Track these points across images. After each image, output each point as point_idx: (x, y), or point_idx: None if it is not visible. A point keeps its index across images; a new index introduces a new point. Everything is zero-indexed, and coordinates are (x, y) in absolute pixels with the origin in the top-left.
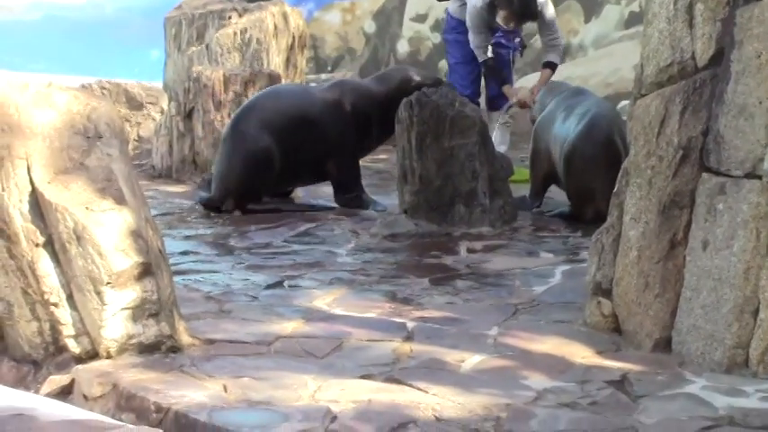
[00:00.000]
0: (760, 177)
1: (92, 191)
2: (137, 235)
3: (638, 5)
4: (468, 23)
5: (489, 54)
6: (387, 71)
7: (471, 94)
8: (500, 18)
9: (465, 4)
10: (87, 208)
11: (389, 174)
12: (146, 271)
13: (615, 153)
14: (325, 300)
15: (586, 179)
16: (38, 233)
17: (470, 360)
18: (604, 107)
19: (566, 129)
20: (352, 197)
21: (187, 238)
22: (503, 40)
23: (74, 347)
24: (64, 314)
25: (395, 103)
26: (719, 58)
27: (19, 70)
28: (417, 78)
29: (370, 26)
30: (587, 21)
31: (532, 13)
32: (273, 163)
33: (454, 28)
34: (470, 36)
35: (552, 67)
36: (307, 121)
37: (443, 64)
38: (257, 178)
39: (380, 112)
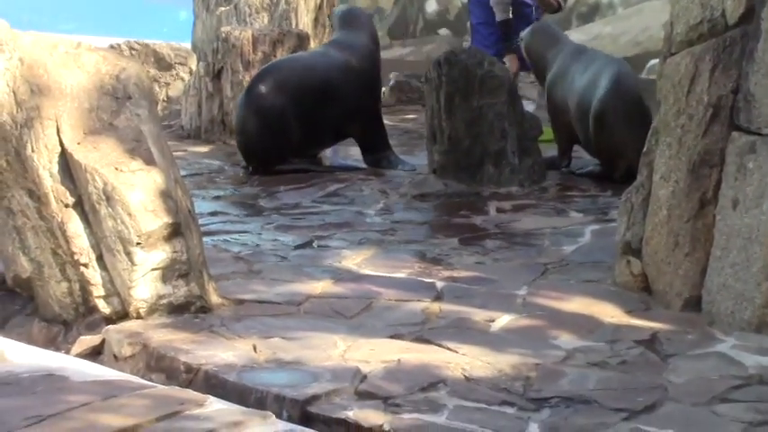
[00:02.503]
0: None
1: (121, 151)
2: (166, 195)
3: None
4: None
5: (509, 14)
6: (350, 22)
7: (496, 54)
8: None
9: None
10: (116, 168)
11: (418, 134)
12: (175, 231)
13: (645, 109)
14: (354, 260)
15: (619, 136)
16: (67, 194)
17: (500, 320)
18: (623, 65)
19: (587, 88)
20: (380, 157)
21: (216, 198)
22: None
23: (104, 308)
24: (94, 275)
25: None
26: (750, 15)
27: (47, 30)
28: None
29: None
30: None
31: None
32: (289, 123)
33: None
34: None
35: None
36: (323, 83)
37: None
38: (274, 138)
39: (378, 68)
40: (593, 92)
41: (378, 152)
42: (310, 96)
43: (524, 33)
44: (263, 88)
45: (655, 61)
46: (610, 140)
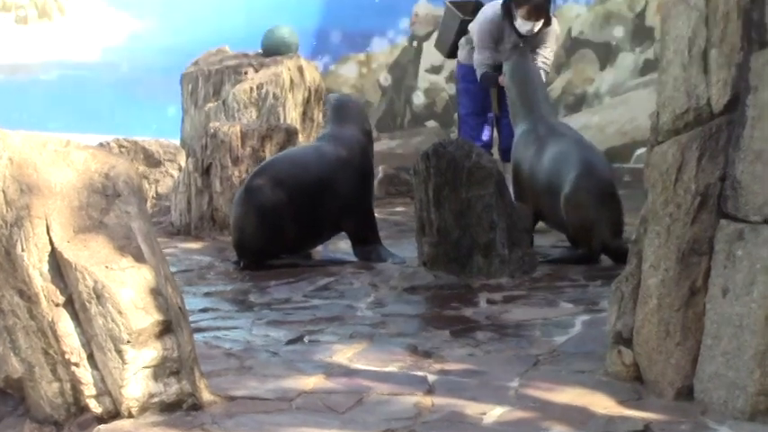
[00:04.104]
0: None
1: (111, 249)
2: (156, 292)
3: (652, 53)
4: (475, 39)
5: (490, 70)
6: (342, 114)
7: (484, 146)
8: (519, 18)
9: (469, 46)
10: (107, 266)
11: (407, 226)
12: (166, 329)
13: (615, 188)
14: (345, 354)
15: (593, 217)
16: (58, 293)
17: (492, 412)
18: (591, 147)
19: (555, 169)
20: (370, 250)
21: (207, 294)
22: None
23: (95, 407)
24: (85, 374)
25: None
26: (735, 103)
27: (37, 129)
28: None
29: (385, 78)
30: (602, 69)
31: (549, 8)
32: (286, 220)
33: (464, 76)
34: (475, 55)
35: None
36: (318, 179)
37: None
38: (272, 235)
39: (370, 161)
40: (564, 174)
41: (368, 245)
42: (307, 193)
43: (505, 65)
44: (260, 186)
45: (642, 150)
46: (585, 221)
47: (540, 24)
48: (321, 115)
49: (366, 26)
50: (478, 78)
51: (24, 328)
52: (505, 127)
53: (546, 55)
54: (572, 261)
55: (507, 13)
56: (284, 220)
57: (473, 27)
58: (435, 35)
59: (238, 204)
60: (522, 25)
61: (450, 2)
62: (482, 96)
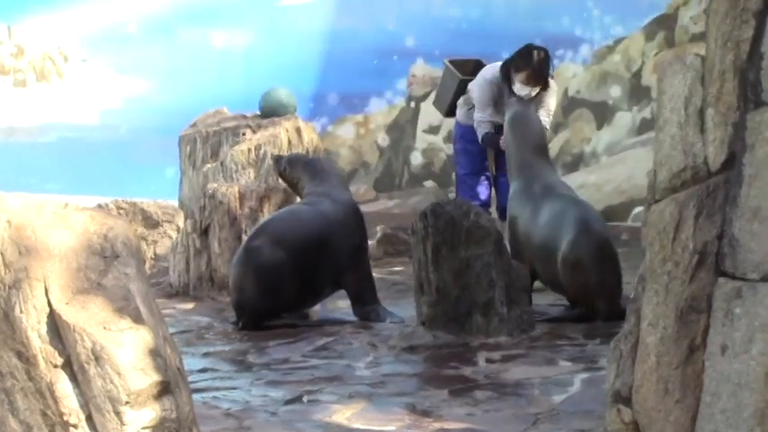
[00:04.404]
0: None
1: (109, 310)
2: (155, 353)
3: (649, 112)
4: (475, 98)
5: (491, 129)
6: (325, 172)
7: (482, 205)
8: (518, 82)
9: (473, 107)
10: (105, 327)
11: (405, 285)
12: (164, 389)
13: (614, 248)
14: (344, 414)
15: (593, 278)
16: (56, 354)
17: None
18: (588, 207)
19: (552, 231)
20: (369, 310)
21: (205, 355)
22: None
23: None
24: None
25: None
26: (732, 162)
27: (35, 191)
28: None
29: (383, 139)
30: (599, 128)
31: (548, 73)
32: (286, 279)
33: (462, 136)
34: (475, 114)
35: None
36: (319, 237)
37: None
38: (273, 295)
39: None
40: (561, 234)
41: (367, 305)
42: (306, 252)
43: (506, 113)
44: (259, 246)
45: (639, 209)
46: (583, 282)
47: (537, 89)
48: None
49: (363, 87)
50: (480, 138)
51: (23, 389)
52: (503, 185)
53: (544, 116)
54: (570, 320)
55: (506, 76)
56: (284, 279)
57: (473, 87)
58: (434, 94)
59: (238, 264)
60: (521, 89)
61: (449, 61)
62: (480, 156)
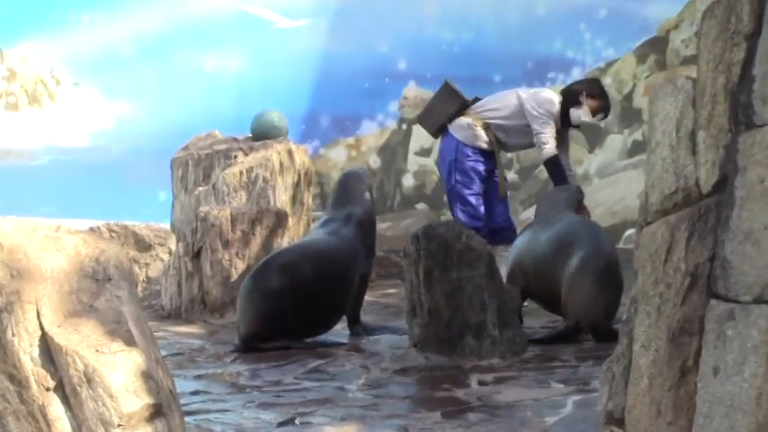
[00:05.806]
0: None
1: (101, 333)
2: (147, 376)
3: (640, 134)
4: (538, 112)
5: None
6: (349, 190)
7: (483, 227)
8: (587, 107)
9: (472, 129)
10: (97, 350)
11: (397, 308)
12: (156, 412)
13: (620, 269)
14: None
15: (595, 295)
16: (48, 377)
17: None
18: (597, 227)
19: (556, 247)
20: (363, 327)
21: (198, 377)
22: None
23: None
24: None
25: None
26: (723, 184)
27: (28, 214)
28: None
29: (375, 161)
30: (591, 150)
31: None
32: (288, 309)
33: (468, 156)
34: (539, 126)
35: None
36: (325, 276)
37: None
38: (271, 323)
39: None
40: (570, 250)
41: (359, 323)
42: (312, 284)
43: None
44: (264, 274)
45: (631, 231)
46: (586, 299)
47: (601, 120)
48: (311, 198)
49: (355, 110)
50: (550, 161)
51: (15, 412)
52: (498, 207)
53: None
54: (557, 338)
55: (569, 98)
56: (285, 308)
57: (532, 102)
58: (422, 111)
59: (245, 293)
60: (585, 115)
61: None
62: (488, 177)
